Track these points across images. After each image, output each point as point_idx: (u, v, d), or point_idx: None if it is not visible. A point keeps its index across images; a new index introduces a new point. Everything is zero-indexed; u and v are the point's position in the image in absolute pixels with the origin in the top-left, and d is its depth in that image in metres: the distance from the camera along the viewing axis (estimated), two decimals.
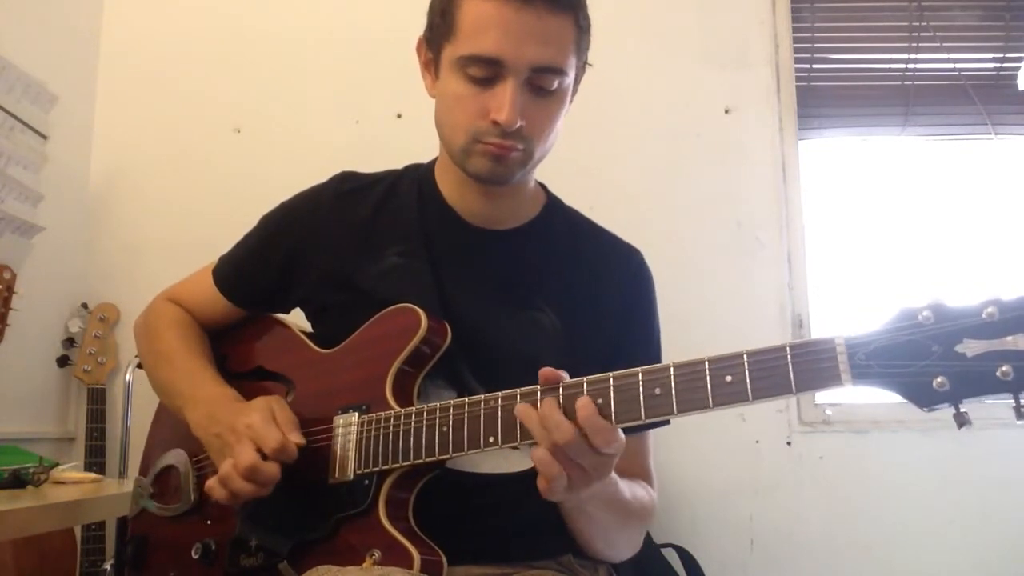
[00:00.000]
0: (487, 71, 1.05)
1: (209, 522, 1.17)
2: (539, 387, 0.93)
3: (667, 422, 0.95)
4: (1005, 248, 2.50)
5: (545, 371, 0.93)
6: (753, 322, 2.40)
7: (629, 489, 1.08)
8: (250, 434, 1.05)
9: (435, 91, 1.15)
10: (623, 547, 1.18)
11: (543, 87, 1.07)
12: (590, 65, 1.17)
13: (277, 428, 1.05)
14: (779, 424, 2.38)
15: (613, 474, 0.99)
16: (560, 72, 1.07)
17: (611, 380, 0.89)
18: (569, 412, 0.89)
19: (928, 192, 2.59)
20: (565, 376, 0.93)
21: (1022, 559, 2.26)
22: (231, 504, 1.08)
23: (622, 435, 0.89)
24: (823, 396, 2.41)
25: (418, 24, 1.15)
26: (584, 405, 0.88)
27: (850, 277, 2.54)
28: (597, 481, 0.92)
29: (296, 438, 1.05)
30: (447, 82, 1.10)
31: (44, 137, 2.26)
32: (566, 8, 1.06)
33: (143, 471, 1.32)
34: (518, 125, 1.05)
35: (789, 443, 2.38)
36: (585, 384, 0.90)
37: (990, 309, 0.71)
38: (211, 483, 1.06)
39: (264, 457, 1.03)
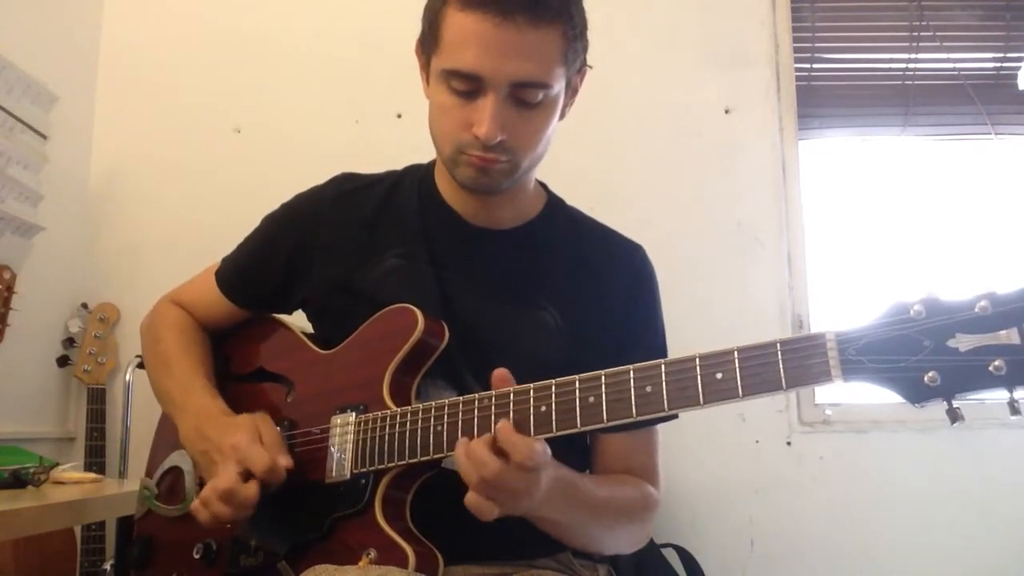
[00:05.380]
0: (468, 85, 1.04)
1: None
2: (532, 386, 0.93)
3: (675, 416, 0.94)
4: (1005, 248, 2.50)
5: (498, 372, 0.95)
6: (753, 322, 2.40)
7: (607, 488, 1.07)
8: (236, 456, 1.05)
9: (429, 96, 1.15)
10: (612, 545, 1.18)
11: (526, 100, 1.06)
12: (590, 67, 1.16)
13: (264, 449, 1.05)
14: (779, 424, 2.38)
15: (574, 476, 1.00)
16: (543, 86, 1.05)
17: (603, 378, 0.89)
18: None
19: (928, 192, 2.59)
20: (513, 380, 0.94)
21: (1022, 559, 2.25)
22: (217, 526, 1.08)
23: (540, 449, 0.89)
24: (823, 396, 2.41)
25: (418, 25, 1.15)
26: (502, 426, 0.90)
27: (850, 277, 2.54)
28: (526, 498, 0.92)
29: (284, 460, 1.05)
30: (435, 92, 1.10)
31: (44, 137, 2.26)
32: (551, 20, 1.03)
33: (149, 472, 1.32)
34: (499, 139, 1.05)
35: (789, 443, 2.37)
36: (578, 382, 0.91)
37: (983, 303, 0.71)
38: (195, 506, 1.06)
39: (247, 478, 1.03)
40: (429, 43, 1.09)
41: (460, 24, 1.03)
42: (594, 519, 1.08)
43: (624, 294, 1.21)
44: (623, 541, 1.18)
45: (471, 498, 0.91)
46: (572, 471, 1.02)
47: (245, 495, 1.02)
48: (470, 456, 0.90)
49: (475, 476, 0.90)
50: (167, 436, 1.32)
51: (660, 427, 1.20)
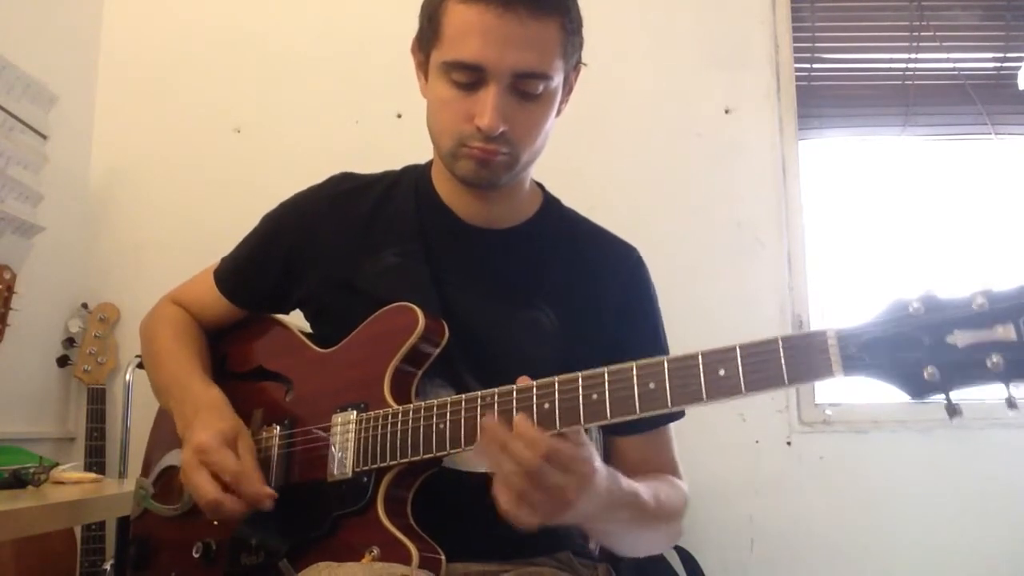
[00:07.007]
0: (470, 77, 1.05)
1: (209, 521, 1.17)
2: (535, 383, 0.93)
3: (681, 413, 0.94)
4: (1005, 247, 2.50)
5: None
6: (753, 322, 2.40)
7: (653, 494, 1.06)
8: (203, 459, 1.06)
9: (426, 93, 1.15)
10: (654, 547, 1.20)
11: (527, 92, 1.07)
12: (585, 64, 1.17)
13: (231, 454, 1.06)
14: (779, 424, 2.38)
15: (629, 485, 0.98)
16: (544, 77, 1.07)
17: (606, 375, 0.90)
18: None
19: (928, 192, 2.59)
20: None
21: (1022, 558, 2.26)
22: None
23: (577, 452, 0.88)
24: (823, 396, 2.41)
25: (417, 24, 1.16)
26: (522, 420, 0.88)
27: (850, 277, 2.54)
28: (564, 509, 0.89)
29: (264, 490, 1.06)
30: (434, 86, 1.11)
31: (44, 137, 2.26)
32: (551, 12, 1.05)
33: (144, 472, 1.32)
34: (501, 130, 1.06)
35: (789, 443, 2.38)
36: (580, 379, 0.91)
37: (980, 300, 0.72)
38: (208, 505, 1.07)
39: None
40: (429, 37, 1.10)
41: (462, 16, 1.04)
42: (643, 527, 1.08)
43: (619, 295, 1.22)
44: (662, 543, 1.20)
45: (507, 502, 0.88)
46: (629, 480, 0.99)
47: (231, 508, 1.04)
48: (516, 455, 0.86)
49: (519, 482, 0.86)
50: (163, 435, 1.32)
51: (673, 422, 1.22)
